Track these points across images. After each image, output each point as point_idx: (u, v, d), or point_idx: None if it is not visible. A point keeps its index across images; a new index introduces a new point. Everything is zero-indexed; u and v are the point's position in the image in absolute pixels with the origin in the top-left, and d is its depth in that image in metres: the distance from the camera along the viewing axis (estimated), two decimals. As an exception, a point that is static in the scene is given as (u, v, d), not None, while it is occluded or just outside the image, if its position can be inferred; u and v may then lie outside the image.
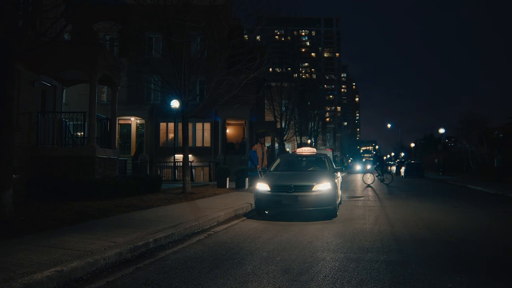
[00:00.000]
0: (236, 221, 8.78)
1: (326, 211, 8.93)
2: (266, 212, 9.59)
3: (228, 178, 17.55)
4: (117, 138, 29.74)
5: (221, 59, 13.47)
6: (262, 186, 9.17)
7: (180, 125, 29.14)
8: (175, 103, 23.51)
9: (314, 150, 11.67)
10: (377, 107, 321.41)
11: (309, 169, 10.54)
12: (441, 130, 43.10)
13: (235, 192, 14.91)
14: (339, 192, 10.75)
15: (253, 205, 9.86)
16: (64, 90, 16.50)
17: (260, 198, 9.12)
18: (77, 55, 13.26)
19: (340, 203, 11.25)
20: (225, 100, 13.13)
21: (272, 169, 10.50)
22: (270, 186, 9.03)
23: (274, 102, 30.09)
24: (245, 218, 9.28)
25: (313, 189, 8.78)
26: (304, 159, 11.25)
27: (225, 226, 8.08)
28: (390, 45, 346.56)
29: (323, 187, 8.83)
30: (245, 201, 11.09)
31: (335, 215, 9.13)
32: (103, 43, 15.04)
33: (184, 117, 13.34)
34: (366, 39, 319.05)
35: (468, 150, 46.21)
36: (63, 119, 14.79)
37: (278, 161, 11.04)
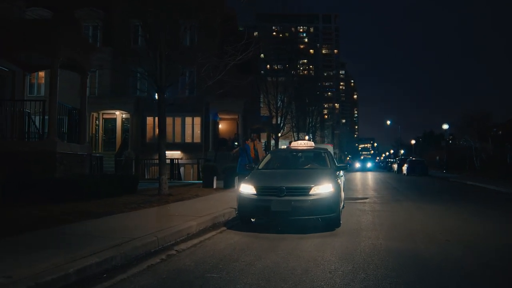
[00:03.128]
0: (213, 233, 6.88)
1: (327, 219, 7.04)
2: (253, 220, 7.69)
3: (215, 177, 15.68)
4: (100, 133, 27.96)
5: (204, 40, 11.62)
6: (247, 188, 7.27)
7: (169, 120, 27.31)
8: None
9: (312, 144, 9.77)
10: (376, 105, 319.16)
11: (305, 167, 8.62)
12: (445, 126, 41.28)
13: (222, 193, 13.00)
14: (342, 194, 8.88)
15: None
16: (27, 77, 14.54)
17: (244, 204, 7.22)
18: (35, 34, 11.28)
19: (343, 207, 9.38)
20: (208, 86, 11.20)
21: (260, 166, 8.59)
22: (257, 188, 7.13)
23: (269, 95, 28.10)
24: (225, 228, 7.37)
25: (311, 192, 6.89)
26: (300, 154, 9.34)
27: (195, 241, 6.18)
28: (389, 45, 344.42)
29: (323, 189, 6.94)
30: (229, 205, 9.19)
31: (338, 225, 7.25)
32: (70, 21, 13.09)
33: (160, 106, 11.41)
34: (365, 39, 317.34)
35: (472, 146, 44.43)
36: (25, 110, 12.86)
37: (268, 157, 9.12)
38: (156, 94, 21.39)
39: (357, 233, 6.78)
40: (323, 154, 9.01)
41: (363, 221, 8.10)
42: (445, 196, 14.93)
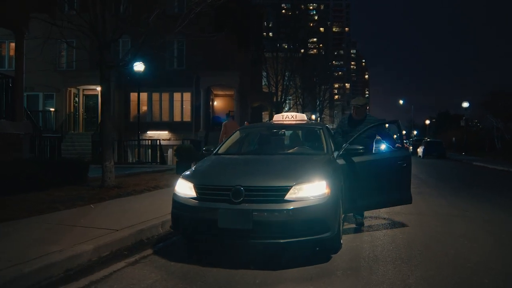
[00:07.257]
0: (120, 264, 4.01)
1: (316, 242, 4.11)
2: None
3: (193, 162, 12.89)
4: (81, 112, 25.15)
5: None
6: (184, 187, 4.36)
7: (155, 96, 24.43)
8: (139, 66, 18.59)
9: (303, 117, 6.68)
10: (387, 86, 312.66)
11: (288, 152, 5.62)
12: (465, 104, 37.75)
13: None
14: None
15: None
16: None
17: (178, 213, 4.32)
18: None
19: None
20: (166, 39, 8.19)
21: (221, 150, 5.66)
22: (197, 188, 4.21)
23: (268, 66, 24.85)
24: (150, 252, 4.49)
25: (289, 195, 3.93)
26: (283, 132, 6.37)
27: (64, 291, 3.32)
28: (401, 28, 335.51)
29: (311, 191, 3.98)
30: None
31: (336, 249, 4.33)
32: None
33: (102, 68, 8.46)
34: (377, 21, 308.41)
35: (494, 126, 40.99)
36: None
37: (236, 135, 6.11)
38: (142, 67, 18.27)
39: (370, 271, 3.83)
40: (318, 132, 5.94)
41: (379, 240, 5.13)
42: (481, 187, 11.87)
